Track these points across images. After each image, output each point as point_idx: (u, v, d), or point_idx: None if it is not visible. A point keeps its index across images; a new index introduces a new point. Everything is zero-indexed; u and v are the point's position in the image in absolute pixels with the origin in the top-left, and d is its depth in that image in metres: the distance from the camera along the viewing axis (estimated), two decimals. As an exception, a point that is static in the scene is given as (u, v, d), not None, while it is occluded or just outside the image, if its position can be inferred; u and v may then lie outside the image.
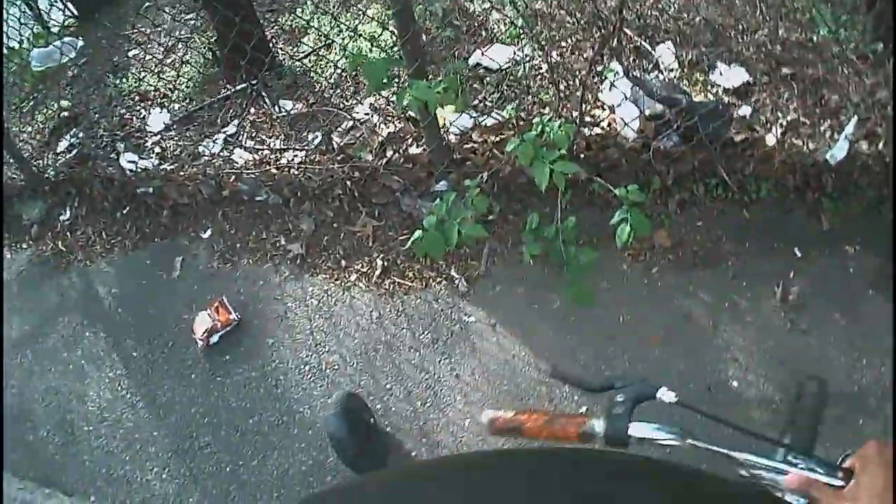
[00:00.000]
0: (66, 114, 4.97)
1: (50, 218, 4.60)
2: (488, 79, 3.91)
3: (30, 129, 5.06)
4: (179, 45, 4.84)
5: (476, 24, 4.32)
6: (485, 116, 3.55)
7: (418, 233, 2.31)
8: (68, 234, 4.44)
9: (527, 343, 3.11)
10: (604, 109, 3.56)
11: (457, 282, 3.36)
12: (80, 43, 5.44)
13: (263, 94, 4.03)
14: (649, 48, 3.81)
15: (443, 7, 4.28)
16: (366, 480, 0.99)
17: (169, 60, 4.83)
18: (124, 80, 4.89)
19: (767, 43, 3.78)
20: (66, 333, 4.03)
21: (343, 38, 4.34)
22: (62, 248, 4.42)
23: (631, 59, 3.83)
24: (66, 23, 6.08)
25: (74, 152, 4.52)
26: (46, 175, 4.52)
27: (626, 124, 3.40)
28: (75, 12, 6.01)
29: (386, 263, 3.49)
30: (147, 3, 5.59)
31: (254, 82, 4.05)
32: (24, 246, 4.64)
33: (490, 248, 3.42)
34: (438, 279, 3.40)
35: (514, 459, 1.00)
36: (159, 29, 5.18)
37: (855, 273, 3.07)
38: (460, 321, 3.26)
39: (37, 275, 4.45)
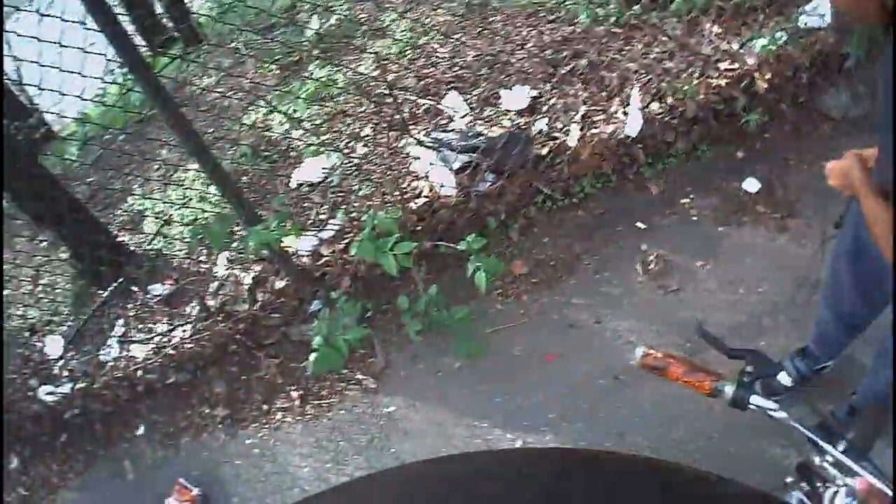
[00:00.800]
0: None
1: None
2: (314, 194, 4.29)
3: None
4: (42, 269, 5.13)
5: (284, 148, 4.68)
6: (323, 230, 3.93)
7: (313, 355, 2.69)
8: (25, 478, 4.74)
9: (447, 408, 3.51)
10: (419, 179, 3.97)
11: (364, 382, 3.77)
12: None
13: (133, 287, 4.37)
14: (436, 104, 4.22)
15: (250, 146, 4.63)
16: (367, 480, 1.01)
17: (39, 288, 5.12)
18: (8, 321, 5.17)
19: (537, 52, 4.19)
20: None
21: (177, 210, 4.68)
22: (24, 493, 4.72)
23: (427, 121, 4.24)
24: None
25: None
26: (-25, 437, 4.80)
27: (441, 185, 3.80)
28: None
29: (301, 392, 3.88)
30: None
31: (120, 280, 4.39)
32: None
33: (380, 341, 3.83)
34: (350, 386, 3.81)
35: (517, 461, 0.99)
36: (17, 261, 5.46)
37: (699, 220, 3.52)
38: (383, 415, 3.64)
39: (9, 531, 4.75)
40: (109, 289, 4.52)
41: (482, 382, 3.49)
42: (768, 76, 3.48)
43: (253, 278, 4.00)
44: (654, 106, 3.68)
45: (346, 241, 3.86)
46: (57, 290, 4.99)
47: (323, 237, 3.94)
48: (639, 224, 3.69)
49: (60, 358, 4.57)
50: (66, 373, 4.47)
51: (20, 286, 5.27)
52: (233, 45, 5.88)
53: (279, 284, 3.92)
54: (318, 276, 3.85)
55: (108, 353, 4.32)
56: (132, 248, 4.68)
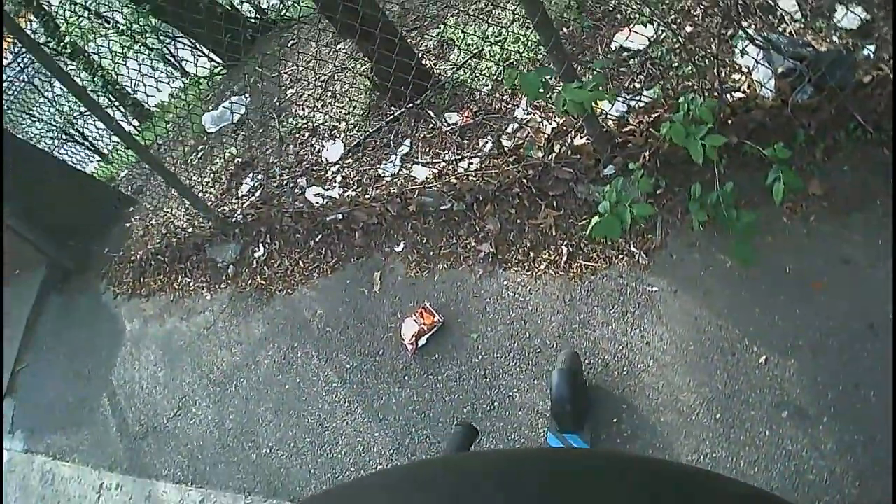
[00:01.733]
0: (239, 160, 6.12)
1: (244, 257, 5.77)
2: (632, 61, 4.72)
3: (208, 179, 6.22)
4: (335, 77, 5.90)
5: (610, 9, 5.14)
6: (634, 99, 4.37)
7: (595, 218, 3.11)
8: (265, 268, 5.56)
9: (706, 304, 3.81)
10: (740, 73, 4.32)
11: (637, 256, 4.14)
12: (248, 99, 6.57)
13: (429, 111, 5.00)
14: (771, 3, 4.53)
15: (577, -1, 5.11)
16: (368, 480, 1.07)
17: (329, 94, 5.88)
18: (290, 119, 5.98)
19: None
20: (277, 358, 5.19)
21: (489, 46, 5.24)
22: (261, 281, 5.55)
23: (757, 18, 4.57)
24: (214, 71, 7.30)
25: (258, 194, 5.63)
26: (234, 219, 5.64)
27: (762, 85, 4.14)
28: (219, 60, 7.21)
29: (570, 249, 4.34)
30: (291, 42, 6.70)
31: (418, 102, 5.04)
32: (223, 286, 5.85)
33: (662, 221, 4.19)
34: (620, 256, 4.19)
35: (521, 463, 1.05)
36: (311, 64, 6.27)
37: None
38: (645, 292, 4.01)
39: (241, 309, 5.66)
40: (404, 108, 5.15)
41: (746, 290, 3.73)
42: None
43: (553, 129, 4.49)
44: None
45: (656, 115, 4.24)
46: (347, 100, 5.70)
47: (633, 105, 4.37)
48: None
49: (336, 163, 5.30)
50: (339, 178, 5.19)
51: (307, 88, 6.06)
52: None
53: (578, 141, 4.37)
54: (619, 143, 4.28)
55: (388, 168, 4.99)
56: (435, 75, 5.28)
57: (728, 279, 3.83)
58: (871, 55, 3.99)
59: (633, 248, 4.17)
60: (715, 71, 4.03)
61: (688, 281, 3.92)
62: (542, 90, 3.43)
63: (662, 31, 4.68)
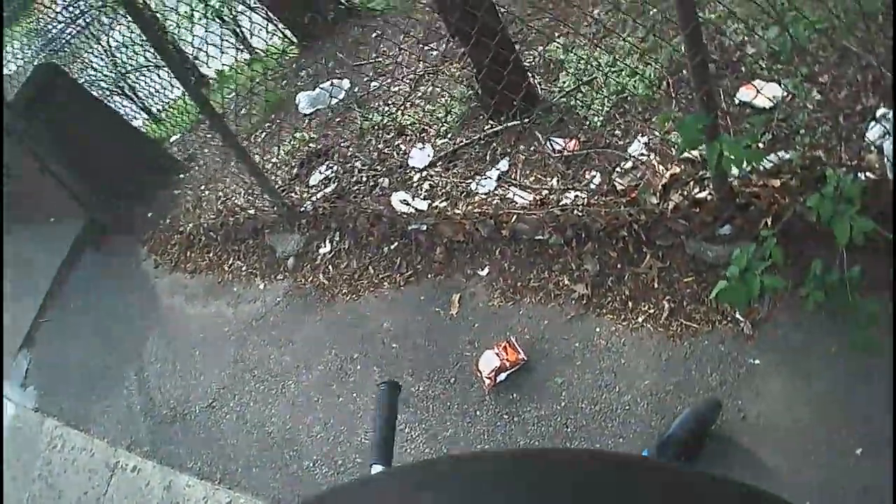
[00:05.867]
0: (311, 146, 5.90)
1: (308, 251, 5.59)
2: (754, 117, 4.51)
3: (274, 161, 6.02)
4: (426, 78, 5.69)
5: (734, 59, 4.93)
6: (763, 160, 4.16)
7: (722, 283, 2.99)
8: (330, 267, 5.37)
9: (807, 387, 3.62)
10: (871, 152, 4.12)
11: (742, 325, 3.95)
12: (347, 84, 6.37)
13: (536, 132, 4.80)
14: None
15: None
16: (374, 479, 1.08)
17: (418, 95, 5.67)
18: (374, 114, 5.77)
19: None
20: (333, 367, 5.00)
21: (603, 74, 5.04)
22: (324, 280, 5.36)
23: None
24: (286, 49, 7.10)
25: (332, 187, 5.42)
26: (303, 209, 5.43)
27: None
28: (294, 38, 7.01)
29: (672, 305, 4.15)
30: (375, 33, 6.50)
31: (525, 120, 4.82)
32: (280, 278, 5.67)
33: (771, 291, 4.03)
34: (724, 322, 4.00)
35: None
36: (400, 59, 6.07)
37: None
38: (746, 365, 3.83)
39: (297, 306, 5.48)
40: (505, 125, 4.94)
41: (850, 378, 3.55)
42: None
43: (672, 175, 4.29)
44: None
45: (785, 178, 4.06)
46: (439, 104, 5.50)
47: (756, 166, 4.16)
48: None
49: (423, 169, 5.09)
50: (425, 186, 4.98)
51: (394, 84, 5.86)
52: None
53: (699, 194, 4.18)
54: (741, 204, 4.09)
55: (482, 186, 4.78)
56: (540, 95, 5.07)
57: (832, 365, 3.65)
58: None
59: (738, 316, 3.98)
60: (848, 145, 3.87)
61: (792, 360, 3.75)
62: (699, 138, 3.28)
63: (789, 93, 4.47)
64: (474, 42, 4.65)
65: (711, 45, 4.97)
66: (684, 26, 3.22)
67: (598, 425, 3.95)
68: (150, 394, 6.01)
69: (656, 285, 4.24)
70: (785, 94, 4.48)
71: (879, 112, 4.08)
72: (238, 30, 8.15)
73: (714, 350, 3.94)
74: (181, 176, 7.58)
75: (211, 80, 9.01)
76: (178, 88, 7.88)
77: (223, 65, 7.27)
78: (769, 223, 3.96)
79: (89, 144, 7.33)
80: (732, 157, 3.19)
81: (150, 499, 5.37)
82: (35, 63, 7.73)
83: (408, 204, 4.98)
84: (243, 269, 6.17)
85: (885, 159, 3.96)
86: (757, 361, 3.81)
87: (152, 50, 6.43)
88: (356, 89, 6.33)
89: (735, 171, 4.05)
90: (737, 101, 4.62)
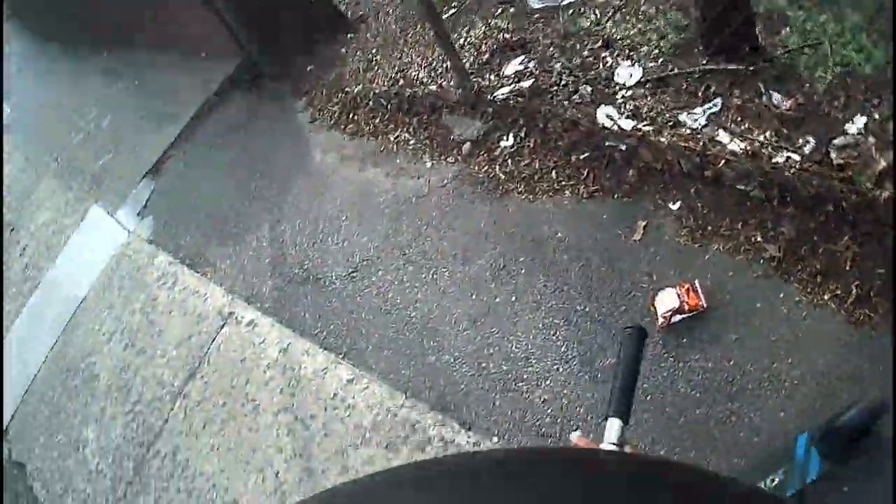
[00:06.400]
0: (507, 36, 5.95)
1: (487, 140, 5.65)
2: None
3: (462, 42, 6.07)
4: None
5: None
6: None
7: None
8: (509, 161, 5.43)
9: None
10: None
11: None
12: None
13: (759, 82, 4.81)
14: None
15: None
16: (373, 479, 1.02)
17: (631, 8, 5.67)
18: (580, 18, 5.77)
19: None
20: (495, 263, 5.09)
21: (830, 42, 5.02)
22: (500, 174, 5.44)
23: None
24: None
25: (528, 84, 5.46)
26: (492, 97, 5.49)
27: None
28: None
29: (860, 292, 4.16)
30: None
31: (751, 67, 4.84)
32: (451, 160, 5.73)
33: None
34: None
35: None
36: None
37: None
38: None
39: (465, 193, 5.57)
40: (724, 66, 4.99)
41: None
42: None
43: (887, 165, 4.31)
44: None
45: None
46: (653, 25, 5.50)
47: None
48: None
49: (629, 88, 5.13)
50: (630, 105, 5.02)
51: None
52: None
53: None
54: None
55: (690, 120, 4.82)
56: (762, 45, 5.08)
57: None
58: None
59: None
60: None
61: None
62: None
63: None
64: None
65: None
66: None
67: (763, 392, 4.02)
68: (283, 249, 6.14)
69: (849, 267, 4.26)
70: None
71: None
72: None
73: (891, 348, 3.93)
74: (349, 36, 7.64)
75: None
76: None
77: None
78: None
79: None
80: None
81: (263, 358, 5.55)
82: None
83: (613, 120, 5.02)
84: (411, 142, 6.27)
85: None
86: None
87: None
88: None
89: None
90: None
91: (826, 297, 4.23)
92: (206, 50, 8.49)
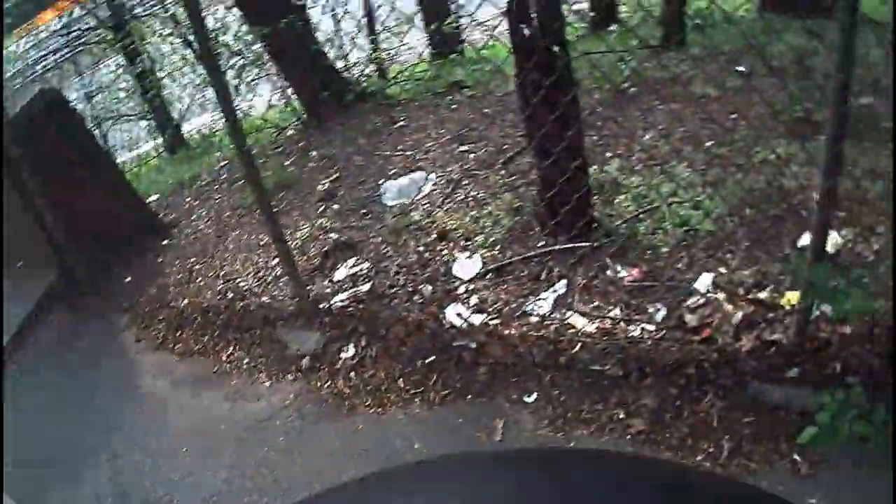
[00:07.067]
0: (335, 236, 5.90)
1: (327, 353, 5.48)
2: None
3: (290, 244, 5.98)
4: (462, 183, 5.77)
5: (795, 202, 5.13)
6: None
7: (812, 429, 3.31)
8: (353, 374, 5.29)
9: None
10: None
11: (800, 465, 4.02)
12: (430, 185, 6.36)
13: (605, 258, 4.92)
14: None
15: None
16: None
17: (458, 198, 5.74)
18: (410, 209, 5.80)
19: None
20: (353, 487, 4.80)
21: (666, 204, 5.21)
22: (345, 389, 5.25)
23: None
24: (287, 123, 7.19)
25: (367, 287, 5.40)
26: (327, 305, 5.40)
27: None
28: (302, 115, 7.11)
29: (732, 445, 4.18)
30: (400, 122, 6.59)
31: (586, 243, 4.93)
32: (291, 378, 5.53)
33: None
34: (783, 462, 4.06)
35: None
36: (430, 156, 6.16)
37: None
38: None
39: (309, 413, 5.29)
40: (563, 245, 5.06)
41: None
42: None
43: (744, 315, 4.43)
44: None
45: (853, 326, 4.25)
46: (486, 212, 5.57)
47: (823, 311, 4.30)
48: None
49: (469, 281, 5.12)
50: (473, 299, 5.00)
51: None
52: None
53: (773, 336, 4.32)
54: (813, 348, 4.23)
55: (537, 307, 4.83)
56: (598, 218, 5.20)
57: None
58: None
59: (796, 456, 4.08)
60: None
61: (852, 498, 3.84)
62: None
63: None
64: (549, 155, 4.83)
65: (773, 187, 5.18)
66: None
67: None
68: (125, 489, 5.72)
69: (716, 424, 4.30)
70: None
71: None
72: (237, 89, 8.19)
73: (773, 490, 3.89)
74: (165, 242, 7.46)
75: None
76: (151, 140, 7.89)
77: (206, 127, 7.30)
78: (838, 369, 4.12)
79: (75, 184, 7.21)
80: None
81: None
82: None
83: (462, 318, 4.98)
84: (245, 360, 5.97)
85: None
86: (813, 501, 3.85)
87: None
88: (380, 181, 6.36)
89: (815, 313, 4.25)
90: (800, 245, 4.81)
91: (700, 458, 4.21)
92: (23, 258, 8.04)
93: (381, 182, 6.46)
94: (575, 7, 9.82)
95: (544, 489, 0.99)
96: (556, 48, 4.63)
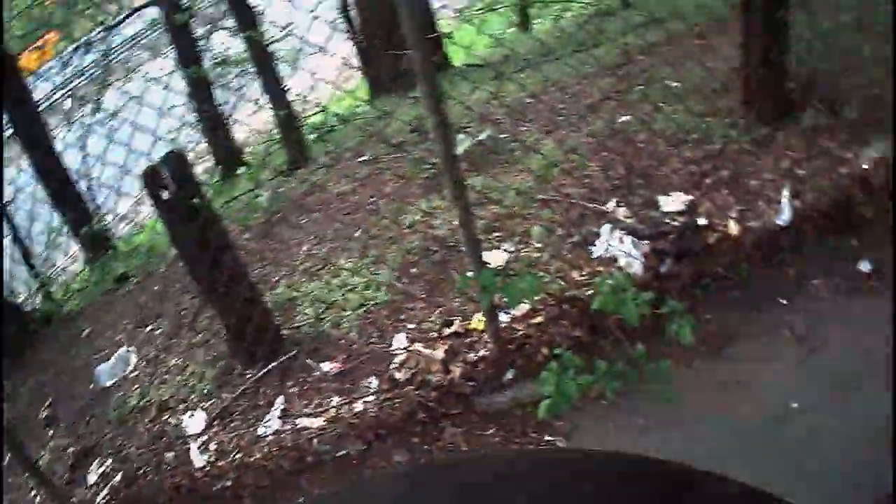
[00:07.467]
0: (72, 450, 6.02)
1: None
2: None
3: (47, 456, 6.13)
4: (160, 357, 6.15)
5: (452, 244, 5.91)
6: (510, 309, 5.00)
7: (545, 402, 3.78)
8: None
9: None
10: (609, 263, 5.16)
11: (558, 443, 4.57)
12: (134, 357, 6.62)
13: (308, 363, 5.41)
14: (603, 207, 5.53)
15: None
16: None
17: (163, 370, 6.09)
18: (128, 399, 6.06)
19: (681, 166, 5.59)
20: None
21: (341, 296, 5.85)
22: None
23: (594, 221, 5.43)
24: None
25: (118, 479, 5.53)
26: (94, 511, 5.51)
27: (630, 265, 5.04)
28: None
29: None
30: (85, 330, 6.86)
31: (282, 359, 5.52)
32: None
33: None
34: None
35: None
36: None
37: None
38: None
39: None
40: (264, 370, 5.57)
41: (662, 429, 4.33)
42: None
43: (445, 351, 4.98)
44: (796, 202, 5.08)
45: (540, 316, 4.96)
46: (190, 371, 5.92)
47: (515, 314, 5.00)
48: (781, 300, 4.85)
49: (203, 433, 5.41)
50: (212, 447, 5.29)
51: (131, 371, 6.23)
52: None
53: (476, 354, 4.92)
54: (516, 347, 4.86)
55: (269, 429, 5.19)
56: (284, 332, 5.76)
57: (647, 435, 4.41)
58: (706, 222, 5.19)
59: (547, 437, 4.66)
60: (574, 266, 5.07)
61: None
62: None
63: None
64: (224, 295, 5.29)
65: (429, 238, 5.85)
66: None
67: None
68: None
69: (465, 447, 4.77)
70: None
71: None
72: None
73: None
74: None
75: None
76: None
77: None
78: (546, 354, 4.74)
79: None
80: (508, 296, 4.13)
81: None
82: None
83: (209, 462, 5.24)
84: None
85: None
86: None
87: None
88: (91, 386, 6.59)
89: (503, 317, 4.80)
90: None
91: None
92: None
93: (94, 368, 6.68)
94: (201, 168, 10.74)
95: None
96: (195, 200, 5.07)
